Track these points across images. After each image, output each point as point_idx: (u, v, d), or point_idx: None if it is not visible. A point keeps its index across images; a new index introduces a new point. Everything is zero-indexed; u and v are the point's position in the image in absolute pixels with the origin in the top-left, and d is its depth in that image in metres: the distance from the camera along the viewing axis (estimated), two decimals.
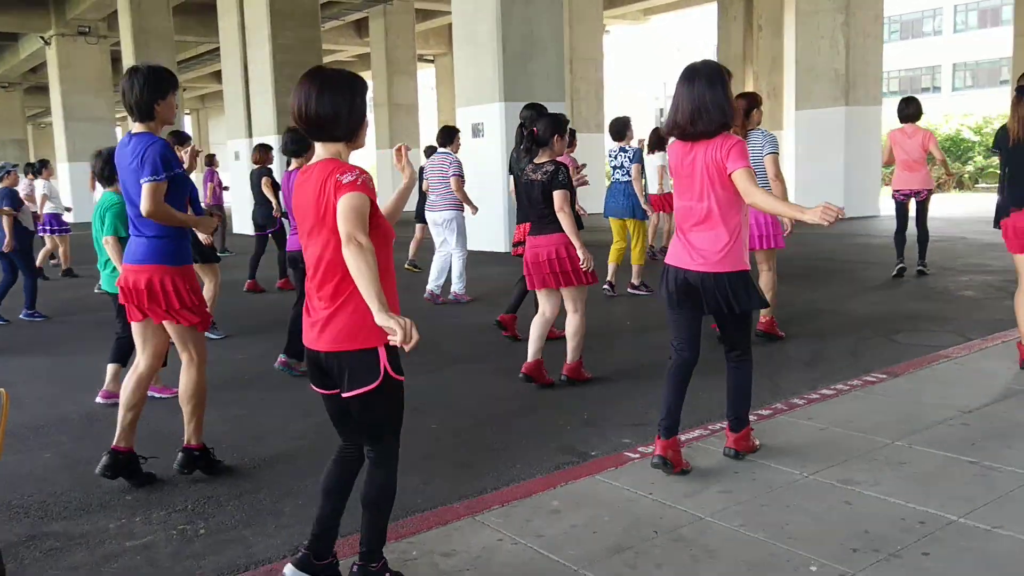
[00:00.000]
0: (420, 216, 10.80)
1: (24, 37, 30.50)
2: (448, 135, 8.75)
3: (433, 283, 8.78)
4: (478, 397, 5.29)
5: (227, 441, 4.57)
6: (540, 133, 5.18)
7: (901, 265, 8.75)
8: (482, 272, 10.31)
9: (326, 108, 2.53)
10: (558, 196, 5.06)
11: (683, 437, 4.18)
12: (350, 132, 2.59)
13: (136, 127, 3.86)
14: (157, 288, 3.84)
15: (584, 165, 7.11)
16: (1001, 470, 3.54)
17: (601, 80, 22.33)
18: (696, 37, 53.33)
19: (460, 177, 8.52)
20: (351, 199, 2.43)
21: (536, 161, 5.24)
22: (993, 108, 26.23)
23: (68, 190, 27.97)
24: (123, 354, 5.52)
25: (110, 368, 5.58)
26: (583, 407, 4.90)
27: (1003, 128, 5.05)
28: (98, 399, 5.52)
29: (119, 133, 38.09)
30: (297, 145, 6.14)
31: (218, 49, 21.51)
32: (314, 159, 2.64)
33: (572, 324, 5.33)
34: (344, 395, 2.59)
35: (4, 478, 4.14)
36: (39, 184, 12.24)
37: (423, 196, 9.82)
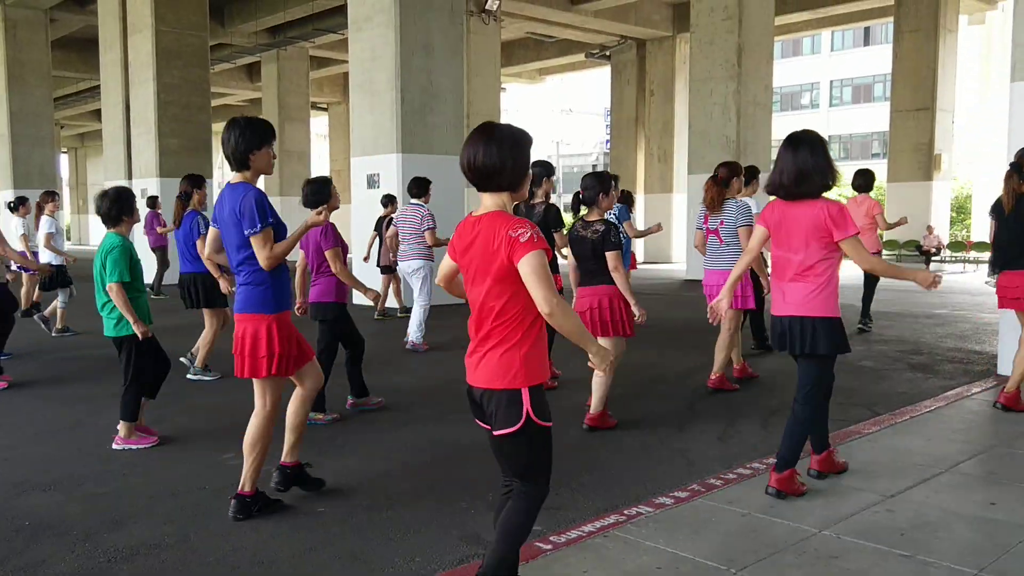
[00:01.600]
0: (382, 267, 11.42)
1: None
2: (421, 186, 8.85)
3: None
4: (384, 468, 4.82)
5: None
6: (586, 192, 5.46)
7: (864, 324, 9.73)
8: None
9: (493, 159, 2.69)
10: (612, 257, 5.32)
11: (596, 524, 3.85)
12: (514, 183, 2.75)
13: (234, 177, 4.04)
14: (249, 337, 4.01)
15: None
16: (937, 565, 3.33)
17: None
18: (591, 99, 54.67)
19: (433, 230, 8.69)
20: (536, 258, 2.63)
21: (587, 219, 5.50)
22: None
23: None
24: (132, 410, 5.35)
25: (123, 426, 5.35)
26: (488, 486, 4.49)
27: (998, 199, 5.84)
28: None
29: None
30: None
31: (99, 86, 20.46)
32: (481, 210, 2.79)
33: (601, 375, 5.27)
34: (494, 433, 2.78)
35: None
36: (17, 222, 11.33)
37: (382, 246, 10.75)
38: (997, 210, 5.86)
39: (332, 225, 5.62)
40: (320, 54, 27.60)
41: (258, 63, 28.41)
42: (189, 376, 7.46)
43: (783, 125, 29.44)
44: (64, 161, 52.29)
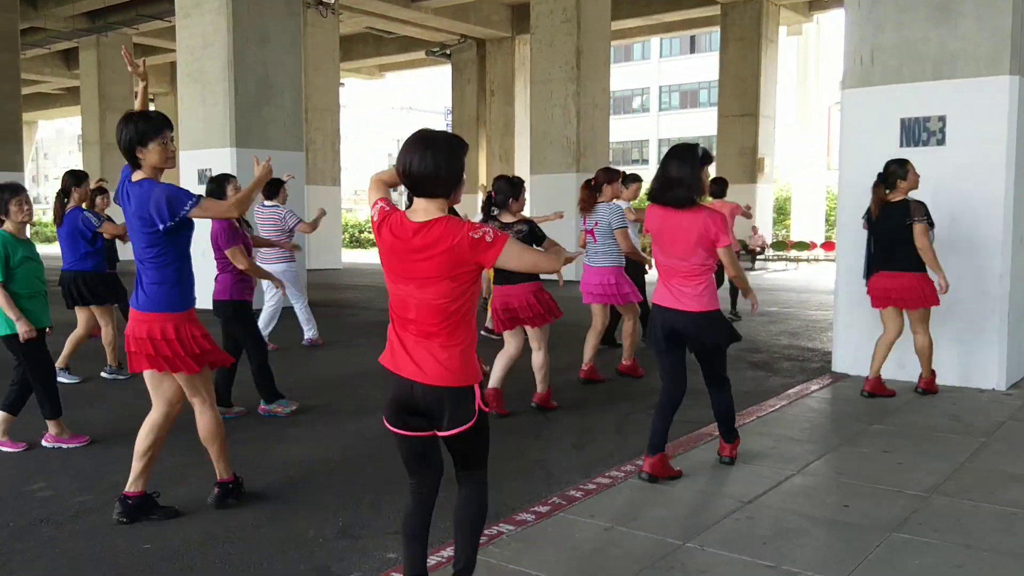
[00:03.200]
0: None
1: None
2: (273, 187, 8.33)
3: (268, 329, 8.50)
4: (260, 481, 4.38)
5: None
6: (498, 195, 5.73)
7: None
8: None
9: (427, 167, 2.71)
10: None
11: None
12: (448, 190, 2.77)
13: (136, 174, 3.86)
14: (158, 336, 3.84)
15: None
16: (803, 575, 3.32)
17: (338, 131, 21.70)
18: (432, 97, 54.45)
19: (303, 222, 8.61)
20: (511, 247, 2.72)
21: (503, 220, 5.73)
22: None
23: None
24: (15, 403, 5.21)
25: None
26: (337, 511, 4.17)
27: (868, 208, 6.13)
28: None
29: None
30: None
31: None
32: (419, 214, 2.76)
33: (539, 359, 6.05)
34: (446, 432, 2.79)
35: None
36: None
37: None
38: (867, 218, 6.17)
39: (231, 223, 5.65)
40: (145, 41, 25.90)
41: (76, 49, 26.37)
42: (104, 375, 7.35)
43: (616, 128, 30.38)
44: None
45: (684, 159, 4.28)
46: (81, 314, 7.20)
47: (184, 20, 12.45)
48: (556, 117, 16.62)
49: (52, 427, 5.25)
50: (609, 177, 7.04)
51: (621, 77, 48.31)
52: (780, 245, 23.53)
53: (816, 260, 22.90)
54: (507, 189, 5.77)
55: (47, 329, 5.16)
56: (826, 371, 7.43)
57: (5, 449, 5.16)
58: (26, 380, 5.18)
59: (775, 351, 8.62)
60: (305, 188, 12.62)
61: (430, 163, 2.71)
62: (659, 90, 53.48)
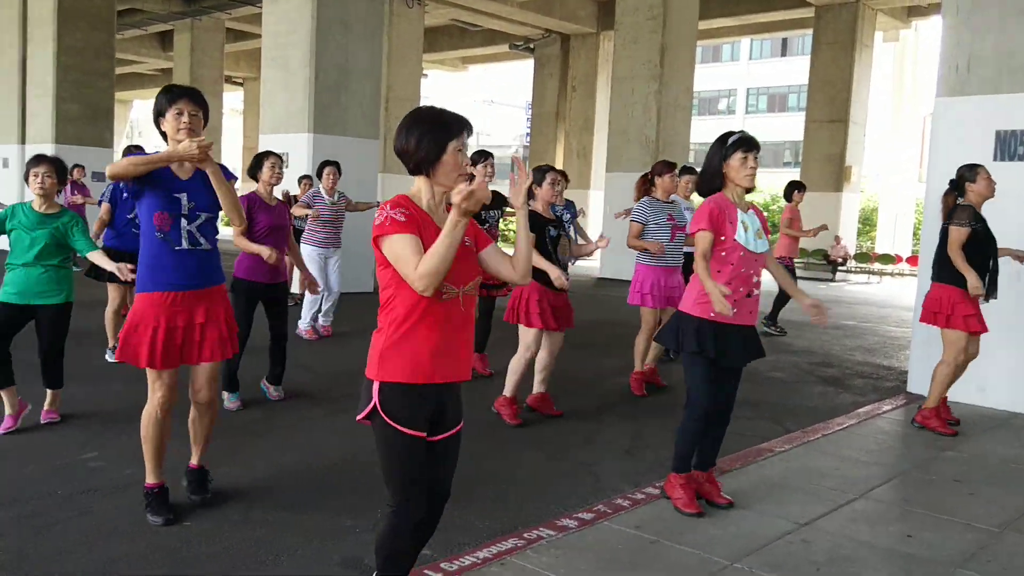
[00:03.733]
0: None
1: None
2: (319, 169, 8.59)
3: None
4: (265, 474, 4.37)
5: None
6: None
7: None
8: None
9: (399, 144, 2.62)
10: None
11: (492, 549, 3.52)
12: (420, 166, 2.60)
13: None
14: None
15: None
16: None
17: None
18: (513, 91, 54.44)
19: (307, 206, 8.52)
20: (394, 242, 2.50)
21: (532, 209, 5.44)
22: (777, 187, 28.03)
23: None
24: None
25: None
26: (375, 503, 4.10)
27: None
28: None
29: None
30: None
31: None
32: None
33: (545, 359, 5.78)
34: (456, 430, 2.77)
35: None
36: None
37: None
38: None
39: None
40: (237, 26, 26.51)
41: (171, 32, 27.12)
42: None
43: (700, 129, 29.85)
44: None
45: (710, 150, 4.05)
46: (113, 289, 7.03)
47: (271, 6, 12.63)
48: (636, 115, 16.36)
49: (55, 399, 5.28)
50: (658, 170, 6.60)
51: (707, 77, 47.59)
52: (863, 257, 22.72)
53: (901, 274, 22.06)
54: (534, 176, 5.51)
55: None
56: (901, 391, 7.09)
57: (44, 420, 5.20)
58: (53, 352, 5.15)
59: (848, 367, 8.27)
60: (379, 176, 12.66)
61: (401, 138, 2.62)
62: (746, 92, 52.40)
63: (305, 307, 8.54)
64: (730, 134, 3.98)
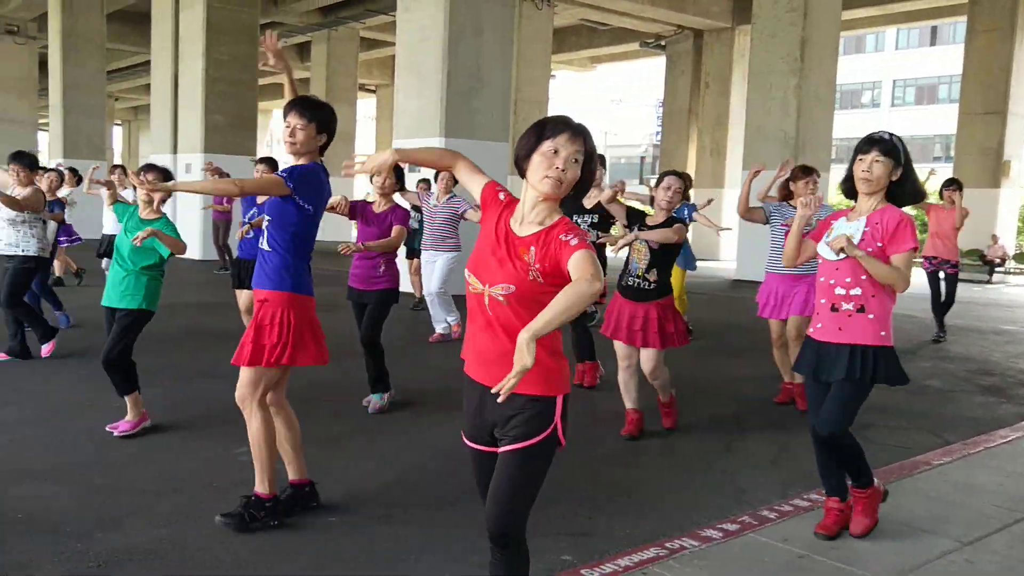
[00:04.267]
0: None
1: None
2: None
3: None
4: (401, 474, 4.44)
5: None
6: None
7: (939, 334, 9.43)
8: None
9: None
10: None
11: (634, 557, 3.44)
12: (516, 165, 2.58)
13: None
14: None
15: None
16: None
17: None
18: (642, 89, 53.92)
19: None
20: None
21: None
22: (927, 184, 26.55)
23: None
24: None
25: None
26: None
27: None
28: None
29: (41, 138, 36.32)
30: None
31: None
32: None
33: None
34: None
35: None
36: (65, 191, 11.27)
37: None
38: None
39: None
40: (370, 35, 27.31)
41: (309, 43, 28.21)
42: None
43: (843, 124, 28.62)
44: (117, 133, 52.91)
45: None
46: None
47: (404, 14, 12.91)
48: (774, 111, 15.83)
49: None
50: (793, 175, 6.11)
51: (850, 69, 45.65)
52: (1023, 257, 21.27)
53: None
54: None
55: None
56: None
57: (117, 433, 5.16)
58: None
59: (1010, 375, 7.70)
60: (508, 179, 12.74)
61: None
62: (892, 84, 50.02)
63: (432, 311, 8.65)
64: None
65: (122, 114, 50.71)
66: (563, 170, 2.39)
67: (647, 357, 5.18)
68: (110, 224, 10.47)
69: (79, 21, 21.92)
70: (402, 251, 10.54)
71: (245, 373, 3.74)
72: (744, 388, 6.82)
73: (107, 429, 5.03)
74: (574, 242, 2.32)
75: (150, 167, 5.15)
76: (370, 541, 3.64)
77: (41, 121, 32.73)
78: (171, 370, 6.65)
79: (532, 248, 2.39)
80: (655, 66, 30.28)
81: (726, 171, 23.06)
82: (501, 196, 2.56)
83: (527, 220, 2.46)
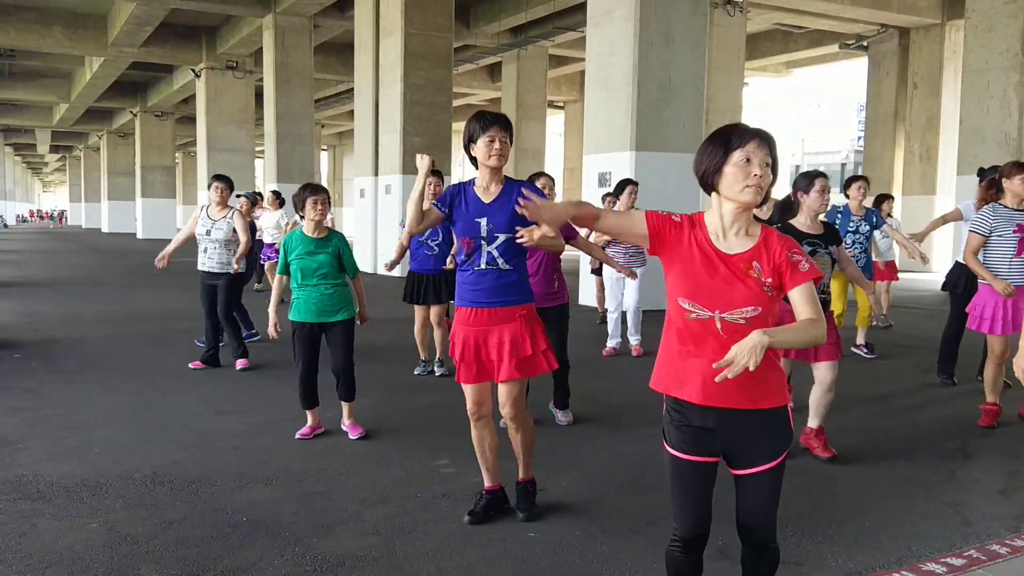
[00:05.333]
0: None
1: (178, 70, 32.03)
2: (620, 188, 8.42)
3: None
4: (602, 489, 4.43)
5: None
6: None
7: None
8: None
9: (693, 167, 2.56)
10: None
11: None
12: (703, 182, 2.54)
13: None
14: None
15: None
16: None
17: None
18: (841, 92, 51.49)
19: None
20: None
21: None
22: None
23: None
24: (301, 393, 5.51)
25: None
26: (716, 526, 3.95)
27: None
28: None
29: (258, 165, 39.43)
30: None
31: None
32: None
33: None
34: None
35: (34, 555, 3.57)
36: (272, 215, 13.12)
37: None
38: None
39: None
40: (559, 52, 27.71)
41: (499, 63, 28.99)
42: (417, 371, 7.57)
43: None
44: (324, 158, 56.54)
45: None
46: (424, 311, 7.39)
47: (594, 29, 12.97)
48: (992, 110, 14.63)
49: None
50: (1007, 172, 5.69)
51: None
52: None
53: None
54: (799, 183, 4.98)
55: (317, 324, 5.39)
56: None
57: (354, 436, 5.49)
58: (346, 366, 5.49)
59: None
60: (699, 193, 12.48)
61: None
62: None
63: (609, 325, 8.63)
64: None
65: (328, 140, 54.16)
66: (760, 176, 2.37)
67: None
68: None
69: (290, 55, 23.63)
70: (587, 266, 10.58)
71: (512, 386, 3.90)
72: (969, 410, 6.30)
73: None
74: (804, 267, 2.36)
75: (319, 187, 5.50)
76: (572, 558, 3.64)
77: (257, 149, 35.60)
78: (374, 383, 6.99)
79: (755, 263, 2.39)
80: (856, 68, 28.79)
81: (937, 176, 21.55)
82: (676, 218, 2.51)
83: (731, 234, 2.44)
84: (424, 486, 4.55)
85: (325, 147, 55.56)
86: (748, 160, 2.37)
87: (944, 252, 18.23)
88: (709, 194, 2.48)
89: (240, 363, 7.78)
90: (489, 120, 3.79)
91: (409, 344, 7.90)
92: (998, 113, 14.54)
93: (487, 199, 3.87)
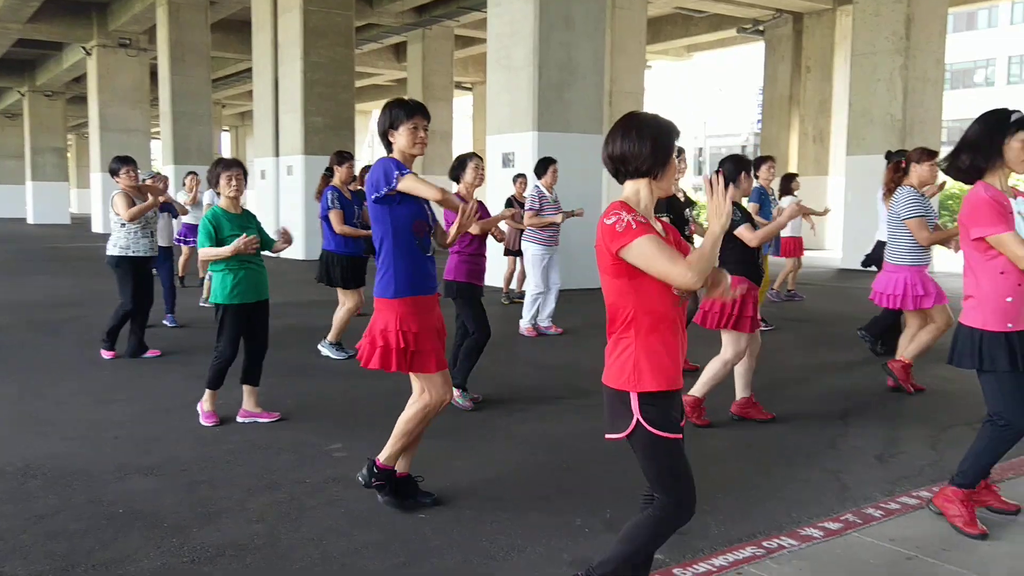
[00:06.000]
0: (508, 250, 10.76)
1: (67, 47, 30.55)
2: (543, 166, 8.44)
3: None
4: (495, 472, 4.42)
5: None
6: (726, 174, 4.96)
7: None
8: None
9: (626, 148, 2.57)
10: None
11: (729, 557, 3.32)
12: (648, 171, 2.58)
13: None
14: (378, 327, 3.82)
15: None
16: None
17: None
18: (740, 76, 52.79)
19: (535, 212, 8.34)
20: (641, 245, 2.45)
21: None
22: None
23: (100, 200, 27.71)
24: (220, 377, 5.36)
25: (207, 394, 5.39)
26: (606, 503, 4.00)
27: None
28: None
29: (154, 146, 38.01)
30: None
31: None
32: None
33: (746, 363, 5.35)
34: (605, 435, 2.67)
35: None
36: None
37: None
38: None
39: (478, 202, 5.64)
40: (465, 33, 27.49)
41: (404, 43, 28.60)
42: (320, 347, 7.41)
43: (953, 105, 27.28)
44: (226, 139, 54.96)
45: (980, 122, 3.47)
46: (344, 293, 7.34)
47: (495, 9, 12.91)
48: (879, 93, 15.19)
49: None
50: (915, 157, 5.91)
51: (961, 47, 43.53)
52: None
53: None
54: (737, 165, 5.08)
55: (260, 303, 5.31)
56: None
57: (263, 420, 5.36)
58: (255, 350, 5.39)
59: None
60: (603, 173, 12.59)
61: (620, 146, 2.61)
62: (1008, 61, 47.46)
63: (526, 306, 8.63)
64: (1006, 112, 3.43)
65: (229, 120, 52.61)
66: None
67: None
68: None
69: (185, 33, 22.82)
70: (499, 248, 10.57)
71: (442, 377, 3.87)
72: (853, 379, 6.55)
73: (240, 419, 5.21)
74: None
75: (233, 162, 5.34)
76: (463, 539, 3.62)
77: (153, 130, 34.29)
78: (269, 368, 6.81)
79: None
80: (755, 53, 29.50)
81: (830, 157, 22.30)
82: (642, 219, 2.61)
83: (652, 216, 2.65)
84: (314, 472, 4.46)
85: (226, 127, 54.00)
86: (677, 155, 2.58)
87: (836, 232, 18.86)
88: (641, 178, 2.61)
89: (151, 352, 7.55)
90: (412, 108, 3.75)
91: (303, 327, 7.74)
92: (884, 95, 15.10)
93: None
